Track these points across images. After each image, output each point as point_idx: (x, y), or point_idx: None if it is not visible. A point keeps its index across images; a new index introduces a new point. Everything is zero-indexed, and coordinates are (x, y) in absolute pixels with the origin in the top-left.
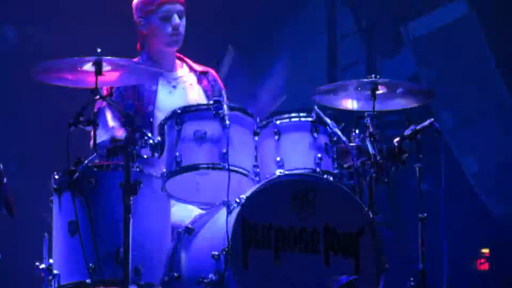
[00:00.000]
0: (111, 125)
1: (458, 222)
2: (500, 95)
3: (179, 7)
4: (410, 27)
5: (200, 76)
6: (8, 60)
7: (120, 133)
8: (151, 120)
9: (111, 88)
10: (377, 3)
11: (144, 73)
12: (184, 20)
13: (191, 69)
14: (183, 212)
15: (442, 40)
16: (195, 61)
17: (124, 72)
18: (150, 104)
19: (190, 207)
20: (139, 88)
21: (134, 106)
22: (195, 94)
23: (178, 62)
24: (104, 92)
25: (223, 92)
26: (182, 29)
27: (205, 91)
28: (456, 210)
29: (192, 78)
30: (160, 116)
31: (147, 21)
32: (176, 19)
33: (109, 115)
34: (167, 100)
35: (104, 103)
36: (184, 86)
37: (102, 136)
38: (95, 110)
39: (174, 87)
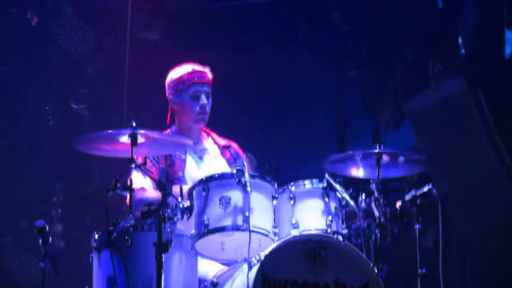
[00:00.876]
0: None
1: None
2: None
3: (207, 88)
4: (410, 104)
5: (223, 149)
6: (54, 130)
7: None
8: (181, 185)
9: (145, 157)
10: (381, 82)
11: (174, 144)
12: (210, 99)
13: (215, 142)
14: (207, 267)
15: (437, 114)
16: (219, 134)
17: (157, 143)
18: (180, 170)
19: (213, 263)
20: (171, 155)
21: (166, 172)
22: (219, 165)
23: (204, 135)
24: (139, 161)
25: (245, 162)
26: (208, 108)
27: (229, 163)
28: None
29: (216, 151)
30: (188, 182)
31: (178, 98)
32: (203, 99)
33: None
34: (195, 168)
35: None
36: (209, 157)
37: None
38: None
39: (201, 158)
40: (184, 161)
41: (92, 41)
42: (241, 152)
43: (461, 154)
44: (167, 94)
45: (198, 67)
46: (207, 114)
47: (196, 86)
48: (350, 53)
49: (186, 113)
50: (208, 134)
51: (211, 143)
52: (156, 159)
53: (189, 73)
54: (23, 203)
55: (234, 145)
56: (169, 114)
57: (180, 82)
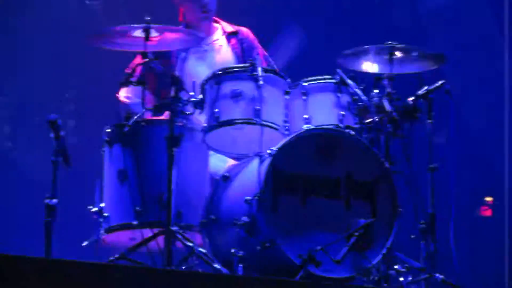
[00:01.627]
0: None
1: (464, 174)
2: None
3: None
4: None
5: (229, 36)
6: (68, 26)
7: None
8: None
9: (156, 52)
10: None
11: (187, 38)
12: None
13: (224, 31)
14: (220, 163)
15: (452, 13)
16: (231, 22)
17: (170, 37)
18: (180, 70)
19: (225, 158)
20: (169, 56)
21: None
22: (223, 55)
23: (214, 25)
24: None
25: (257, 55)
26: (211, 6)
27: (234, 50)
28: (464, 162)
29: (222, 40)
30: (189, 79)
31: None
32: None
33: None
34: (197, 64)
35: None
36: (214, 49)
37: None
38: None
39: (206, 50)
40: (183, 59)
41: None
42: (250, 36)
43: (476, 49)
44: None
45: None
46: (211, 13)
47: None
48: None
49: (188, 12)
50: (218, 23)
51: (218, 34)
52: None
53: None
54: (36, 98)
55: (243, 30)
56: (179, 12)
57: None
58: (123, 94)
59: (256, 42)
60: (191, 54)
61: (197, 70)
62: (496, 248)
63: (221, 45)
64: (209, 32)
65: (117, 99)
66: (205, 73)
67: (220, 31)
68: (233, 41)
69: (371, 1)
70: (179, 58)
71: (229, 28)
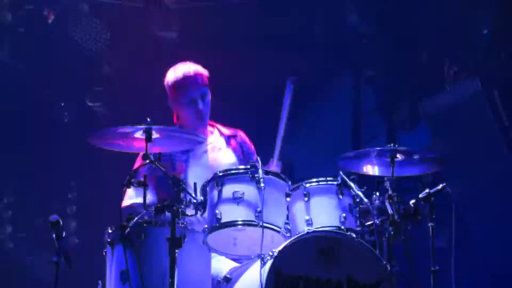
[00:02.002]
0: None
1: (466, 277)
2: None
3: (202, 91)
4: (425, 105)
5: (229, 139)
6: (70, 127)
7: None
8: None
9: (159, 153)
10: (396, 83)
11: (188, 139)
12: (209, 97)
13: (221, 133)
14: (221, 265)
15: (453, 115)
16: (225, 124)
17: (171, 138)
18: (181, 172)
19: (227, 260)
20: (172, 159)
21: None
22: (224, 157)
23: (209, 129)
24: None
25: (259, 158)
26: (206, 109)
27: (234, 152)
28: (465, 266)
29: (221, 142)
30: (191, 183)
31: (176, 103)
32: (200, 104)
33: None
34: (198, 164)
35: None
36: (214, 150)
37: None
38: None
39: (205, 151)
40: (185, 161)
41: (108, 38)
42: (247, 140)
43: (476, 155)
44: (168, 97)
45: (189, 70)
46: (205, 116)
47: (190, 92)
48: (366, 54)
49: (184, 117)
50: (214, 127)
51: (216, 136)
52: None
53: (181, 79)
54: (38, 200)
55: (241, 133)
56: (174, 114)
57: (174, 89)
58: (127, 199)
59: (252, 146)
60: (191, 156)
61: (198, 172)
62: None
63: (220, 147)
64: (205, 133)
65: (120, 203)
66: (205, 175)
67: (217, 133)
68: (233, 143)
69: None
70: (181, 160)
71: (226, 131)
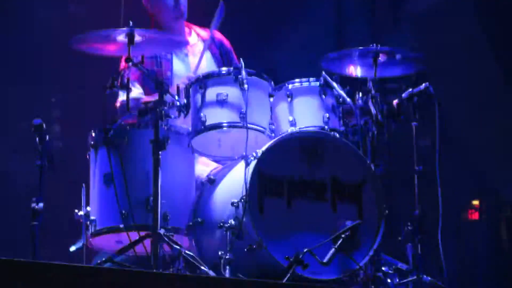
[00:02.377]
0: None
1: (451, 177)
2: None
3: None
4: (408, 4)
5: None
6: (51, 33)
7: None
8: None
9: (142, 56)
10: None
11: (168, 42)
12: None
13: (199, 36)
14: (205, 166)
15: (436, 17)
16: (201, 25)
17: (152, 42)
18: (168, 70)
19: (210, 161)
20: (157, 56)
21: (154, 73)
22: (204, 59)
23: (187, 30)
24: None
25: (241, 60)
26: (184, 3)
27: (213, 55)
28: (449, 166)
29: (201, 46)
30: (176, 80)
31: (152, 2)
32: None
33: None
34: (181, 66)
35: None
36: (195, 54)
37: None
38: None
39: (186, 55)
40: (170, 60)
41: None
42: (224, 40)
43: (459, 54)
44: (143, 2)
45: None
46: (183, 11)
47: None
48: None
49: (163, 15)
50: (191, 29)
51: (195, 38)
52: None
53: None
54: (21, 104)
55: (218, 35)
56: (151, 21)
57: None
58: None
59: (230, 46)
60: (175, 56)
61: (181, 74)
62: (484, 251)
63: (200, 50)
64: (183, 34)
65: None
66: (187, 76)
67: (194, 36)
68: (213, 46)
69: (354, 4)
70: (166, 59)
71: (203, 32)
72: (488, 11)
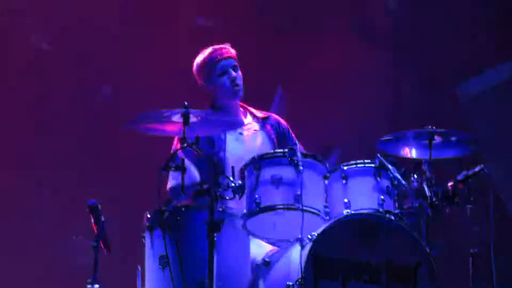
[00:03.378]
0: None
1: (506, 261)
2: None
3: (232, 62)
4: (463, 86)
5: (263, 121)
6: (105, 114)
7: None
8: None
9: (198, 137)
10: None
11: (223, 123)
12: (239, 71)
13: (254, 116)
14: (259, 249)
15: (492, 98)
16: (257, 108)
17: (208, 122)
18: (221, 150)
19: (265, 244)
20: (211, 136)
21: (208, 153)
22: (260, 139)
23: (241, 110)
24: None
25: (297, 142)
26: (239, 81)
27: (269, 135)
28: (504, 249)
29: (255, 125)
30: (230, 161)
31: (209, 81)
32: (231, 73)
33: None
34: (235, 146)
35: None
36: (249, 133)
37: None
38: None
39: (241, 134)
40: (224, 141)
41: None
42: (281, 120)
43: None
44: (199, 82)
45: (216, 46)
46: (240, 87)
47: (221, 63)
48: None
49: (219, 92)
50: (246, 110)
51: (250, 119)
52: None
53: (210, 53)
54: (75, 186)
55: (274, 116)
56: (208, 101)
57: (205, 65)
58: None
59: (288, 128)
60: (229, 135)
61: (235, 154)
62: None
63: (256, 129)
64: (238, 116)
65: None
66: (243, 156)
67: (249, 117)
68: (268, 127)
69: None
70: (220, 139)
71: (259, 114)
72: None
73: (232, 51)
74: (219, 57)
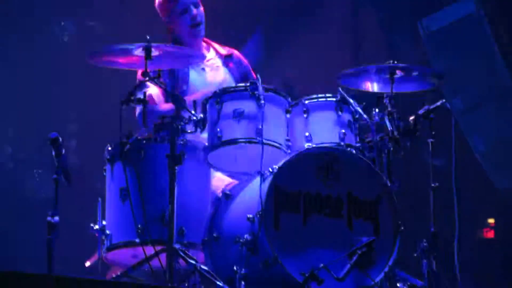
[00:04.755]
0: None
1: (466, 195)
2: (503, 83)
3: None
4: (425, 22)
5: (226, 59)
6: (68, 48)
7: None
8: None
9: (159, 70)
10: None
11: (186, 56)
12: (201, 8)
13: (217, 52)
14: (220, 182)
15: (452, 35)
16: (220, 43)
17: (170, 56)
18: (184, 83)
19: (226, 177)
20: (174, 70)
21: (171, 85)
22: (222, 75)
23: (204, 45)
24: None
25: (258, 75)
26: (200, 17)
27: (231, 72)
28: (465, 184)
29: (218, 61)
30: (192, 94)
31: (169, 18)
32: (192, 10)
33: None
34: (198, 80)
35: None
36: (212, 68)
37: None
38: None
39: (203, 69)
40: (187, 73)
41: None
42: (243, 58)
43: (475, 73)
44: (162, 18)
45: None
46: (202, 25)
47: (181, 0)
48: None
49: (180, 31)
50: (209, 45)
51: (212, 54)
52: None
53: None
54: (38, 118)
55: (236, 53)
56: (170, 35)
57: (165, 2)
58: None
59: (249, 67)
60: (191, 69)
61: (197, 88)
62: (498, 268)
63: (218, 65)
64: (200, 49)
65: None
66: (205, 91)
67: (212, 52)
68: (230, 64)
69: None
70: (183, 72)
71: (222, 50)
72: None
73: None
74: None
